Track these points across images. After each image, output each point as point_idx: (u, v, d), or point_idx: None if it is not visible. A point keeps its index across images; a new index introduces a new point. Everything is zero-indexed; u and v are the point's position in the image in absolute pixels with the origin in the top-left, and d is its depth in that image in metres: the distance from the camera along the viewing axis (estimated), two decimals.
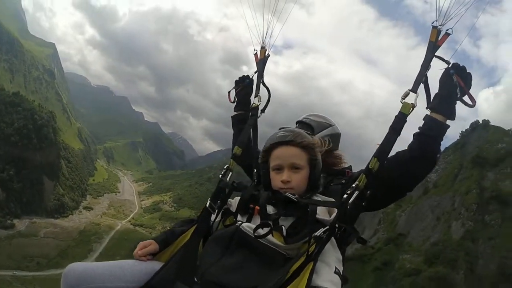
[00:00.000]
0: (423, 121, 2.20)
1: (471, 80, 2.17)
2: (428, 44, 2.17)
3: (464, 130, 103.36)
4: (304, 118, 2.90)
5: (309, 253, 1.77)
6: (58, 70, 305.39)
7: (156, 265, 2.09)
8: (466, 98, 2.16)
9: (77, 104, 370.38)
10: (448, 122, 2.18)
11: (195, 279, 1.97)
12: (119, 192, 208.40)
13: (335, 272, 1.78)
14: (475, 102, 2.15)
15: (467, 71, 2.16)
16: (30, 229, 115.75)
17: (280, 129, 2.35)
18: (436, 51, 2.16)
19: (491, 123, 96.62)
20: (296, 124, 2.89)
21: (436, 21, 2.15)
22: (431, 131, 2.17)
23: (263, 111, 2.92)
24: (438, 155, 2.22)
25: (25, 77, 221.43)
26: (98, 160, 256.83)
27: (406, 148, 2.22)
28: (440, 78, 2.20)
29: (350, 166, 2.60)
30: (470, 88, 2.15)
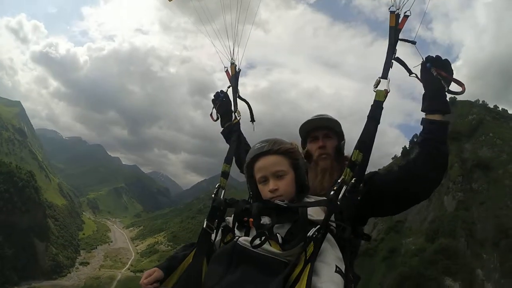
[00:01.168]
0: (422, 126, 2.24)
1: (451, 65, 2.21)
2: (389, 30, 2.17)
3: None
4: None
5: (307, 255, 1.77)
6: (28, 128, 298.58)
7: None
8: (453, 86, 2.21)
9: (53, 159, 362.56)
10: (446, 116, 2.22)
11: None
12: (111, 242, 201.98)
13: (336, 271, 1.74)
14: (464, 85, 2.15)
15: (443, 59, 2.20)
16: None
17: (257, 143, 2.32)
18: (398, 34, 2.15)
19: (458, 99, 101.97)
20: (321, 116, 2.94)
21: (393, 6, 2.16)
22: (433, 134, 2.19)
23: (252, 120, 3.15)
24: (447, 156, 2.20)
25: None
26: (84, 213, 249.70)
27: (414, 156, 2.25)
28: (421, 76, 2.26)
29: None
30: (452, 74, 2.19)
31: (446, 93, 2.20)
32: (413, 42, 2.17)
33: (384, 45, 2.16)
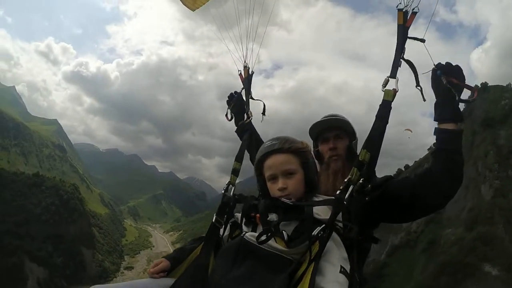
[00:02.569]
0: (435, 136, 2.23)
1: (461, 71, 2.18)
2: (398, 28, 2.17)
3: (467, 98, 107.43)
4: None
5: (312, 254, 1.77)
6: (66, 143, 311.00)
7: (169, 282, 2.15)
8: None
9: (92, 171, 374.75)
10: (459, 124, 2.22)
11: None
12: (153, 246, 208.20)
13: (340, 272, 1.74)
14: (476, 91, 2.20)
15: (454, 65, 2.19)
16: None
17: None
18: (407, 32, 2.16)
19: (489, 83, 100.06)
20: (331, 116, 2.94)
21: (400, 3, 2.16)
22: (446, 144, 2.17)
23: (263, 113, 3.22)
24: (462, 165, 2.23)
25: (38, 157, 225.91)
26: (125, 220, 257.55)
27: (430, 165, 2.24)
28: (432, 85, 2.26)
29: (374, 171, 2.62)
30: (464, 80, 2.17)
31: (459, 102, 2.17)
32: (422, 40, 2.16)
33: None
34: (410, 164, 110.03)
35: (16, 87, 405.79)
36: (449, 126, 2.15)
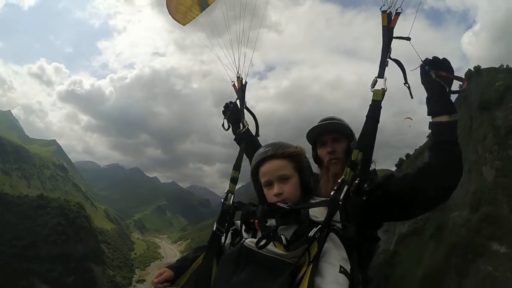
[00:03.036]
0: (430, 130, 2.23)
1: (449, 64, 2.18)
2: (382, 29, 2.18)
3: (462, 83, 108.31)
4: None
5: (311, 255, 1.79)
6: (67, 163, 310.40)
7: None
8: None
9: (95, 188, 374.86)
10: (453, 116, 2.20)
11: None
12: (163, 258, 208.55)
13: (340, 272, 1.74)
14: (466, 81, 2.20)
15: (441, 58, 2.19)
16: None
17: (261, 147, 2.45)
18: (392, 33, 2.17)
19: (482, 65, 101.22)
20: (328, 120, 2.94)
21: (384, 5, 2.17)
22: (442, 136, 2.18)
23: (257, 134, 3.30)
24: (461, 156, 2.24)
25: (40, 178, 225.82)
26: (132, 233, 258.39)
27: (428, 159, 2.21)
28: (421, 80, 2.25)
29: (374, 169, 2.68)
30: (453, 72, 2.18)
31: (450, 94, 2.17)
32: (407, 39, 2.16)
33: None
34: (411, 152, 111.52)
35: (12, 111, 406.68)
36: (443, 118, 2.15)
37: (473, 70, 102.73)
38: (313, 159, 2.80)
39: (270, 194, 2.19)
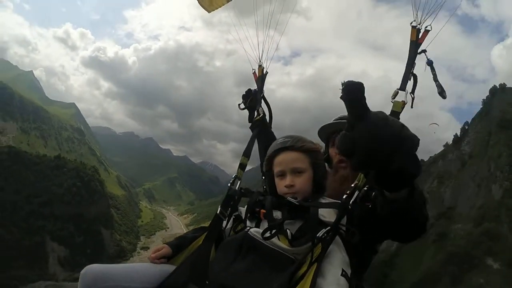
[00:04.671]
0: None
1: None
2: (410, 43, 2.17)
3: (485, 98, 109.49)
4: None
5: (314, 255, 1.77)
6: (84, 126, 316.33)
7: (169, 268, 2.18)
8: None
9: (109, 154, 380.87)
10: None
11: (207, 282, 2.02)
12: (168, 228, 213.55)
13: (341, 275, 1.73)
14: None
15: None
16: None
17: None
18: (418, 49, 2.15)
19: (510, 82, 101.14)
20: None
21: (414, 21, 2.17)
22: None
23: (270, 126, 3.16)
24: (427, 220, 1.84)
25: (57, 139, 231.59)
26: (140, 202, 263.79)
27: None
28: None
29: None
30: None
31: None
32: (429, 63, 2.14)
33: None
34: (425, 158, 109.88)
35: (34, 72, 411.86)
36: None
37: (498, 86, 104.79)
38: (324, 157, 2.64)
39: (282, 184, 2.19)
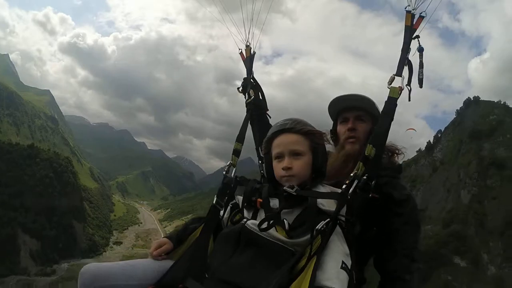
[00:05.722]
0: None
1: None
2: (405, 28, 2.18)
3: (459, 109, 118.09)
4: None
5: (313, 247, 1.74)
6: (58, 115, 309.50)
7: (168, 264, 2.13)
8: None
9: (82, 145, 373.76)
10: None
11: (206, 276, 1.98)
12: (141, 223, 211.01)
13: (341, 267, 1.70)
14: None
15: None
16: (71, 272, 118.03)
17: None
18: (413, 34, 2.15)
19: (484, 95, 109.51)
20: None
21: (409, 5, 2.15)
22: None
23: (265, 109, 3.07)
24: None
25: (30, 127, 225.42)
26: (113, 195, 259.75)
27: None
28: None
29: (400, 165, 2.55)
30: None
31: None
32: (419, 50, 2.15)
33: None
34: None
35: (10, 56, 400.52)
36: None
37: (472, 99, 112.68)
38: (330, 135, 2.63)
39: (279, 167, 2.12)
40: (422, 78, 2.18)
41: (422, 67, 2.18)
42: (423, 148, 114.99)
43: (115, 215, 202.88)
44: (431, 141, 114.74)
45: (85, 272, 1.95)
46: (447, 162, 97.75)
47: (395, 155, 2.53)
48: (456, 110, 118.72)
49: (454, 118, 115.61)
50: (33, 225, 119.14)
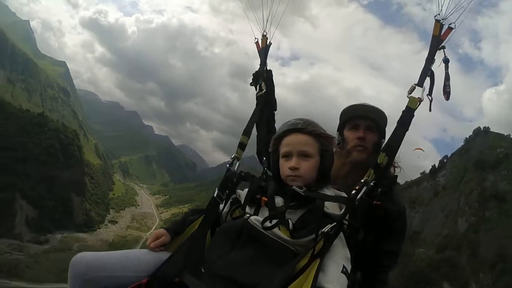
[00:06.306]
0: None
1: None
2: (432, 38, 2.12)
3: (468, 137, 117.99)
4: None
5: (316, 249, 1.72)
6: (71, 88, 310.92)
7: (164, 255, 2.08)
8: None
9: (90, 120, 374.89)
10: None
11: (203, 270, 1.94)
12: (138, 206, 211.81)
13: (342, 272, 1.70)
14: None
15: None
16: (63, 243, 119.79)
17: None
18: (440, 45, 2.10)
19: (495, 126, 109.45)
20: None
21: (439, 14, 2.09)
22: None
23: (275, 107, 3.01)
24: None
25: (41, 96, 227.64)
26: (115, 174, 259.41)
27: None
28: None
29: (395, 176, 2.47)
30: None
31: None
32: (445, 61, 2.09)
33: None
34: (401, 183, 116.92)
35: (31, 22, 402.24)
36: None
37: (482, 128, 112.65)
38: (337, 140, 2.65)
39: (286, 166, 2.11)
40: (450, 92, 2.13)
41: (449, 79, 2.13)
42: (427, 170, 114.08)
43: (113, 194, 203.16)
44: (436, 165, 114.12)
45: (78, 262, 1.89)
46: (449, 188, 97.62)
47: (393, 167, 2.50)
48: (465, 138, 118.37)
49: (462, 145, 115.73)
50: (32, 192, 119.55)
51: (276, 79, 2.83)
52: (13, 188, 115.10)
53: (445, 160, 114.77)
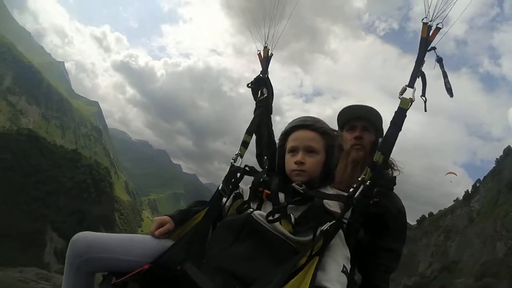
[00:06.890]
0: None
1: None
2: (420, 40, 2.17)
3: (498, 157, 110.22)
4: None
5: (315, 247, 1.74)
6: (103, 126, 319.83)
7: (167, 243, 2.06)
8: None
9: (120, 158, 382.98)
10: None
11: (204, 261, 1.95)
12: None
13: (342, 271, 1.72)
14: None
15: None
16: None
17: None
18: (428, 46, 2.15)
19: None
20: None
21: (426, 17, 2.15)
22: None
23: (270, 104, 2.99)
24: None
25: (75, 133, 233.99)
26: (143, 211, 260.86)
27: None
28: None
29: (394, 177, 2.52)
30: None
31: None
32: (438, 60, 2.16)
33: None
34: (434, 212, 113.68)
35: (65, 64, 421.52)
36: None
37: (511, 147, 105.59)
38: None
39: (291, 160, 2.11)
40: (450, 87, 2.18)
41: (447, 77, 2.18)
42: (460, 197, 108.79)
43: (142, 231, 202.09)
44: (469, 190, 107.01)
45: (79, 240, 1.86)
46: (483, 213, 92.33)
47: (391, 169, 2.58)
48: (496, 158, 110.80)
49: (494, 167, 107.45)
50: (62, 224, 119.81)
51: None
52: (45, 219, 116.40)
53: (477, 184, 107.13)
